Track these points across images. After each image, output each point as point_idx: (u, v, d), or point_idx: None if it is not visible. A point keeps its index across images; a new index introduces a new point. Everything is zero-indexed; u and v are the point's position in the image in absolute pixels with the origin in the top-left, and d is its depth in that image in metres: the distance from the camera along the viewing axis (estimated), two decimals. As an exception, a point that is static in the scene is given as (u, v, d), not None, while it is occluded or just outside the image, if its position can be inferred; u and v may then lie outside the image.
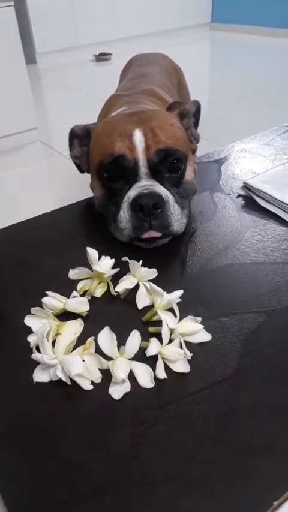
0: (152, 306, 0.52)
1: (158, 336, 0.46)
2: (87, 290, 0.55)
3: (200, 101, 0.77)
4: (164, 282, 0.54)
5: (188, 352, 0.46)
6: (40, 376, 0.44)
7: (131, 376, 0.44)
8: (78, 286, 0.56)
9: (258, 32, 3.64)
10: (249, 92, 2.16)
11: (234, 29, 3.82)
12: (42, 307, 0.51)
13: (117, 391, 0.43)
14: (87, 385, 0.43)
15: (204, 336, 0.48)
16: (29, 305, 0.51)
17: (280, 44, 3.31)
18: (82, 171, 0.76)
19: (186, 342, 0.47)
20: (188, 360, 0.45)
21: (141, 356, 0.45)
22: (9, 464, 0.38)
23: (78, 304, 0.51)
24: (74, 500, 0.35)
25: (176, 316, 0.49)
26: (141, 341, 0.46)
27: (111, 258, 0.57)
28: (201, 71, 2.68)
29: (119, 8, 3.35)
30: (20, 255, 0.64)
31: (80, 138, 0.73)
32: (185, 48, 3.31)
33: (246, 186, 0.74)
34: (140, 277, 0.54)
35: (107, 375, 0.44)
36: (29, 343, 0.48)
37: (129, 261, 0.54)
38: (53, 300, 0.52)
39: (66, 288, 0.55)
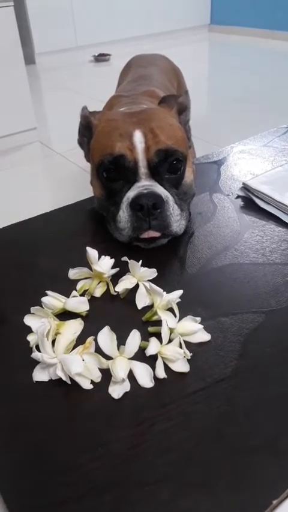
0: (151, 306, 0.52)
1: (158, 335, 0.47)
2: (87, 290, 0.55)
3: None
4: (163, 282, 0.54)
5: (187, 352, 0.46)
6: (40, 375, 0.44)
7: (131, 376, 0.44)
8: (78, 286, 0.56)
9: (257, 34, 3.65)
10: (248, 93, 2.17)
11: (232, 31, 3.83)
12: (42, 306, 0.51)
13: (116, 391, 0.43)
14: (87, 385, 0.43)
15: (204, 336, 0.48)
16: (29, 305, 0.51)
17: (279, 46, 3.32)
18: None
19: (186, 342, 0.47)
20: (188, 360, 0.45)
21: (141, 356, 0.45)
22: (9, 464, 0.38)
23: (78, 303, 0.51)
24: (73, 500, 0.35)
25: (175, 316, 0.49)
26: (141, 341, 0.46)
27: (111, 258, 0.57)
28: (200, 73, 2.69)
29: (118, 9, 3.36)
30: (20, 255, 0.64)
31: (82, 126, 0.73)
32: (184, 50, 3.32)
33: (245, 187, 0.74)
34: (139, 277, 0.54)
35: (106, 374, 0.44)
36: (28, 342, 0.48)
37: (128, 261, 0.54)
38: (53, 300, 0.52)
39: (66, 287, 0.55)
